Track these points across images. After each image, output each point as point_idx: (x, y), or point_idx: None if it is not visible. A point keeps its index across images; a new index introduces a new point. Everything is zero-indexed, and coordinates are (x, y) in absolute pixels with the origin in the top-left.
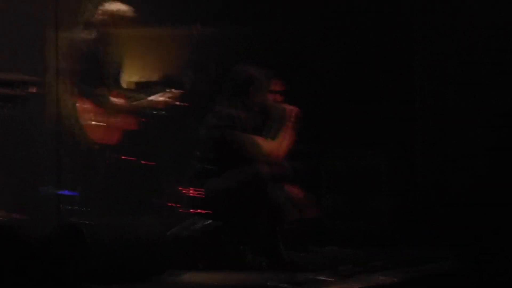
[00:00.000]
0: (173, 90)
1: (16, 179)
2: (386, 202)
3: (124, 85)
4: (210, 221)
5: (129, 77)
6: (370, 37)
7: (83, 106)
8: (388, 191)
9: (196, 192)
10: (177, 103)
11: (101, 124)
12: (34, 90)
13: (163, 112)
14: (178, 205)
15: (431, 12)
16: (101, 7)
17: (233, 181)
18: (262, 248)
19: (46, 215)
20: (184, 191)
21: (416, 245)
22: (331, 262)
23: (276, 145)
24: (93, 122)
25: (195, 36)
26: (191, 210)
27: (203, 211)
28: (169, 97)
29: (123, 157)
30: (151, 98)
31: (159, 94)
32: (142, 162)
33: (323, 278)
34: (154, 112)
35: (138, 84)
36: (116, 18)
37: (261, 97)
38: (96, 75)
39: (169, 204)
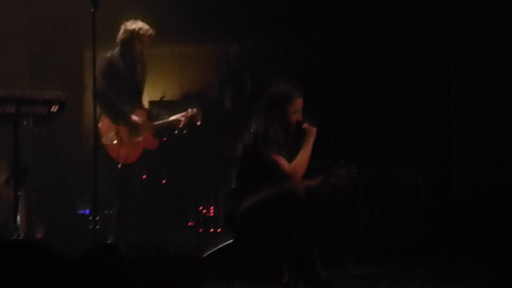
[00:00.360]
0: (194, 109)
1: (51, 197)
2: (424, 217)
3: (147, 104)
4: (246, 240)
5: (153, 96)
6: (406, 51)
7: (106, 125)
8: (425, 206)
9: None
10: (198, 123)
11: (122, 143)
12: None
13: (184, 131)
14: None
15: (467, 24)
16: (123, 26)
17: (270, 199)
18: (299, 266)
19: (82, 234)
20: (204, 211)
21: (455, 261)
22: (369, 281)
23: (293, 167)
24: (115, 141)
25: (229, 53)
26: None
27: (238, 230)
28: (190, 117)
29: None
30: (173, 117)
31: (180, 114)
32: (164, 181)
33: None
34: (176, 132)
35: (161, 103)
36: (137, 36)
37: (297, 116)
38: (120, 93)
39: (190, 223)
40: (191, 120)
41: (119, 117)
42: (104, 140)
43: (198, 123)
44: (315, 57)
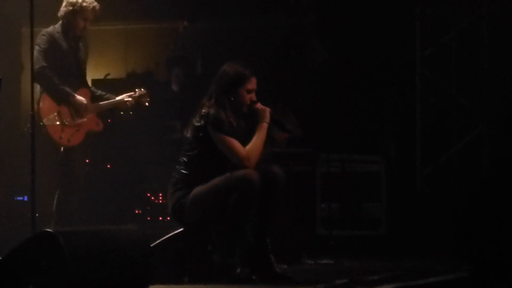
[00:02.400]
0: (142, 89)
1: None
2: (384, 210)
3: (90, 83)
4: (195, 231)
5: (97, 75)
6: (368, 36)
7: (47, 105)
8: (386, 198)
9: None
10: (146, 104)
11: (64, 124)
12: None
13: (131, 113)
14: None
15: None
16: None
17: (221, 187)
18: (252, 258)
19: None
20: (152, 198)
21: (417, 255)
22: (326, 275)
23: (247, 151)
24: (57, 123)
25: (178, 31)
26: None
27: (186, 220)
28: (137, 97)
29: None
30: (119, 97)
31: (127, 94)
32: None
33: None
34: (121, 113)
35: (106, 82)
36: (80, 10)
37: (251, 96)
38: (61, 71)
39: (137, 211)
40: (138, 100)
41: (61, 97)
42: (45, 121)
43: (146, 104)
44: (272, 39)
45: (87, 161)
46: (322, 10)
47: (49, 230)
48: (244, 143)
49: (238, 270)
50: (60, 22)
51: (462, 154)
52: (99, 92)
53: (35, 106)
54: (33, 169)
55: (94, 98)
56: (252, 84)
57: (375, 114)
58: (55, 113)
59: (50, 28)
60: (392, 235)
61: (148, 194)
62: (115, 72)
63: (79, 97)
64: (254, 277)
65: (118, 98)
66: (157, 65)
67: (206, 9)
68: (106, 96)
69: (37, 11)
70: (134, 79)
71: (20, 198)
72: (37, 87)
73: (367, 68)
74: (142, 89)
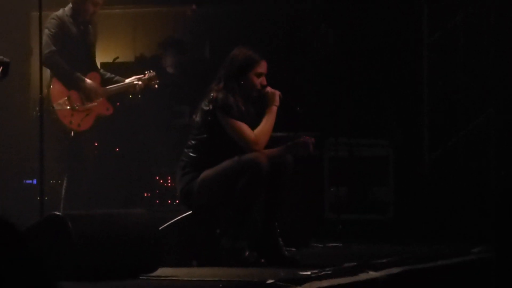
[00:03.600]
0: (152, 72)
1: None
2: (392, 194)
3: (100, 67)
4: (204, 214)
5: (106, 58)
6: (375, 20)
7: (57, 89)
8: (394, 182)
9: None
10: (156, 86)
11: (75, 108)
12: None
13: (139, 96)
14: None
15: None
16: None
17: (230, 170)
18: (260, 243)
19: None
20: (161, 181)
21: (424, 239)
22: (335, 259)
23: (256, 134)
24: (67, 107)
25: (187, 15)
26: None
27: (195, 204)
28: (147, 79)
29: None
30: (129, 80)
31: (136, 77)
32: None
33: (325, 275)
34: (130, 97)
35: (115, 65)
36: None
37: (261, 80)
38: (71, 55)
39: (145, 195)
40: (148, 83)
41: (71, 82)
42: (55, 106)
43: (156, 86)
44: (279, 22)
45: (96, 144)
46: None
47: (57, 213)
48: (253, 127)
49: (246, 254)
50: (69, 6)
51: (470, 138)
52: (108, 74)
53: (45, 90)
54: (41, 153)
55: (103, 81)
56: (262, 68)
57: (382, 98)
58: (65, 98)
59: (60, 12)
60: (400, 219)
61: (157, 178)
62: (124, 55)
63: (89, 82)
64: (262, 260)
65: (127, 80)
66: (166, 49)
67: None
68: (115, 78)
69: None
70: (143, 62)
71: (29, 181)
72: (47, 72)
73: (374, 52)
74: (152, 71)
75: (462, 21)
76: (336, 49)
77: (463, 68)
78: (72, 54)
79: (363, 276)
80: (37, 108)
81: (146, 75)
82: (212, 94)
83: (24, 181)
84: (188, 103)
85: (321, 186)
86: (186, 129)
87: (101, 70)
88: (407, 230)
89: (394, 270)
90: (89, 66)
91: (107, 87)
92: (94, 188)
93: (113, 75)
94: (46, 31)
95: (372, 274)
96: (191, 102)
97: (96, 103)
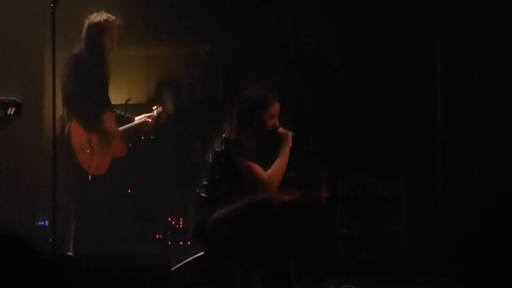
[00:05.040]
0: (160, 107)
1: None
2: (405, 233)
3: (113, 107)
4: (216, 254)
5: (119, 100)
6: (388, 54)
7: (77, 131)
8: (407, 221)
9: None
10: (162, 122)
11: (94, 152)
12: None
13: (151, 137)
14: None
15: (454, 26)
16: (87, 20)
17: (242, 211)
18: (273, 281)
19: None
20: (173, 222)
21: (439, 276)
22: None
23: (269, 175)
24: (87, 149)
25: (200, 54)
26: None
27: (208, 244)
28: (157, 116)
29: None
30: (139, 118)
31: (145, 115)
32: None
33: None
34: (142, 138)
35: (128, 107)
36: (104, 29)
37: (273, 121)
38: (89, 95)
39: (157, 236)
40: (157, 120)
41: (91, 124)
42: (76, 149)
43: (164, 119)
44: (292, 60)
45: (110, 186)
46: (342, 30)
47: (70, 254)
48: (266, 167)
49: None
50: (84, 44)
51: (485, 176)
52: (119, 112)
53: (66, 132)
54: (54, 195)
55: (117, 122)
56: (275, 109)
57: (395, 136)
58: (85, 141)
59: (77, 50)
60: (414, 258)
61: (169, 219)
62: (137, 96)
63: (108, 125)
64: None
65: (137, 118)
66: (179, 89)
67: (227, 32)
68: (126, 116)
69: (58, 35)
70: (156, 103)
71: (41, 223)
72: (60, 112)
73: (387, 87)
74: (160, 107)
75: (476, 54)
76: (348, 86)
77: (477, 102)
78: (90, 94)
79: None
80: (51, 149)
81: (155, 111)
82: (224, 134)
83: (36, 223)
84: (200, 142)
85: (333, 225)
86: (198, 169)
87: (116, 112)
88: (422, 268)
89: None
90: (106, 105)
91: (120, 127)
92: (107, 229)
93: (123, 113)
94: (65, 71)
95: None
96: (203, 142)
97: (111, 145)
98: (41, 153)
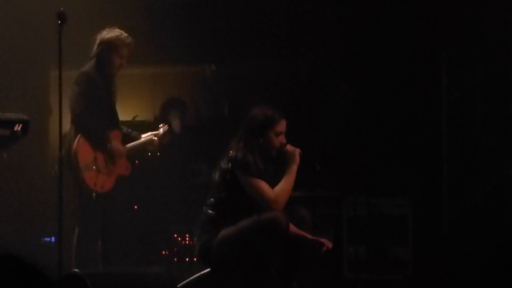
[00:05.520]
0: (166, 125)
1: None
2: (411, 253)
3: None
4: (222, 272)
5: (126, 117)
6: (393, 77)
7: (84, 149)
8: (413, 241)
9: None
10: (168, 140)
11: (100, 169)
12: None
13: (158, 154)
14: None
15: (459, 46)
16: (99, 36)
17: (248, 229)
18: None
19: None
20: (179, 239)
21: None
22: None
23: (276, 193)
24: (93, 167)
25: (207, 75)
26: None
27: (213, 262)
28: (163, 134)
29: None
30: (145, 136)
31: (151, 133)
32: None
33: None
34: (149, 154)
35: (135, 124)
36: (115, 47)
37: (280, 138)
38: (99, 113)
39: (163, 253)
40: (164, 138)
41: (99, 143)
42: (82, 167)
43: (170, 137)
44: (298, 81)
45: (115, 203)
46: (348, 52)
47: (76, 271)
48: (273, 185)
49: None
50: (95, 60)
51: (490, 198)
52: (125, 129)
53: (65, 149)
54: (61, 211)
55: (123, 137)
56: (282, 126)
57: (401, 157)
58: (92, 159)
59: (86, 68)
60: (420, 278)
61: (175, 235)
62: (143, 114)
63: (115, 144)
64: None
65: (143, 136)
66: (185, 108)
67: (233, 53)
68: (132, 134)
69: (65, 54)
70: (162, 121)
71: (47, 239)
72: (66, 130)
73: (393, 110)
74: (166, 125)
75: (481, 79)
76: (353, 107)
77: (482, 126)
78: (99, 111)
79: None
80: (56, 167)
81: (161, 130)
82: (231, 153)
83: (43, 239)
84: (206, 161)
85: (339, 245)
86: (204, 187)
87: (120, 126)
88: None
89: None
90: (113, 123)
91: (127, 145)
92: (112, 246)
93: (130, 130)
94: (76, 88)
95: None
96: (209, 161)
97: (117, 163)
98: (47, 170)
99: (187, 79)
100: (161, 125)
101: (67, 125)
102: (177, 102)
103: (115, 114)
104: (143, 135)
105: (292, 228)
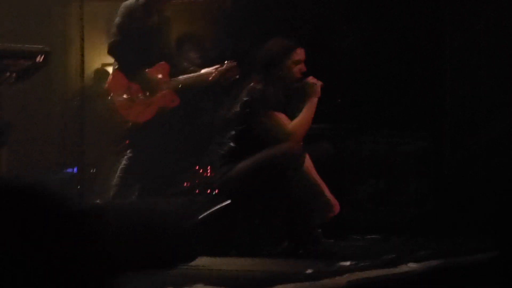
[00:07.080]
0: (233, 62)
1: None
2: (432, 186)
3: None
4: (242, 204)
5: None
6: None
7: (118, 79)
8: (432, 175)
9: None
10: (237, 76)
11: (135, 99)
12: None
13: (217, 87)
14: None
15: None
16: None
17: (266, 160)
18: (298, 234)
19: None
20: (201, 171)
21: (466, 233)
22: (373, 252)
23: (294, 125)
24: (127, 96)
25: (224, 8)
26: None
27: (234, 194)
28: (224, 70)
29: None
30: (204, 71)
31: (213, 67)
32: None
33: (364, 266)
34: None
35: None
36: None
37: (300, 67)
38: (138, 46)
39: (185, 184)
40: (225, 74)
41: (133, 73)
42: (114, 96)
43: (237, 76)
44: (317, 13)
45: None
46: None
47: (97, 202)
48: (293, 119)
49: (285, 244)
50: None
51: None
52: (185, 64)
53: (108, 80)
54: (82, 141)
55: (173, 73)
56: (300, 54)
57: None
58: (125, 88)
59: (130, 0)
60: (440, 211)
61: (197, 167)
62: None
63: (152, 73)
64: (300, 251)
65: (203, 71)
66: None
67: None
68: (191, 69)
69: None
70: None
71: (69, 170)
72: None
73: (398, 54)
74: (232, 61)
75: (485, 25)
76: (374, 42)
77: (486, 72)
78: (139, 44)
79: (402, 268)
80: (78, 98)
81: (225, 65)
82: (251, 85)
83: (64, 169)
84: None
85: (360, 177)
86: (226, 118)
87: (173, 62)
88: (447, 222)
89: (434, 262)
90: (159, 56)
91: (174, 78)
92: (135, 177)
93: (189, 65)
94: (116, 19)
95: (412, 266)
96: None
97: (159, 94)
98: (69, 101)
99: (205, 14)
100: (227, 61)
101: (88, 56)
102: (190, 38)
103: (164, 47)
104: (202, 71)
105: (310, 167)
